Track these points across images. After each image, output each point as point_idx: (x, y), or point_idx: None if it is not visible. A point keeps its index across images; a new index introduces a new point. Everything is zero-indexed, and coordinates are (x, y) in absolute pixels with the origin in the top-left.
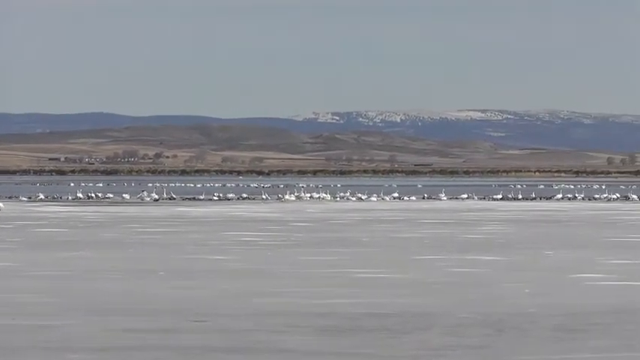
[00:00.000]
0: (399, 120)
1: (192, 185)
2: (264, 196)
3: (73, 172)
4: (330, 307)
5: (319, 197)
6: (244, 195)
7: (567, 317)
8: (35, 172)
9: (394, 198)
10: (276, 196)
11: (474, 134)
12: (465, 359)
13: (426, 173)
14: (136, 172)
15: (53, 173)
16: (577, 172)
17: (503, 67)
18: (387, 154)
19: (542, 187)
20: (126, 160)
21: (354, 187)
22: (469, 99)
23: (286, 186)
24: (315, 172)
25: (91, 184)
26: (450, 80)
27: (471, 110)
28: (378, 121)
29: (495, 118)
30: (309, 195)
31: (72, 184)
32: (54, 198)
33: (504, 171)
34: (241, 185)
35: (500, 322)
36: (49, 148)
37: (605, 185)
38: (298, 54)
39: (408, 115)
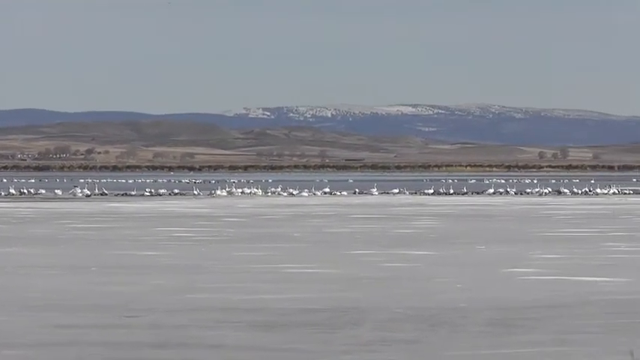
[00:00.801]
0: (329, 115)
1: (123, 181)
2: (195, 192)
3: (5, 168)
4: (262, 303)
5: (250, 193)
6: (176, 191)
7: (499, 312)
8: None
9: (325, 193)
10: (207, 192)
11: (405, 129)
12: (397, 354)
13: (357, 168)
14: (68, 168)
15: None
16: (508, 167)
17: (433, 61)
18: (318, 149)
19: (473, 181)
20: (58, 156)
21: (285, 182)
22: (400, 94)
23: (217, 181)
24: (246, 168)
25: (23, 180)
26: (380, 75)
27: (402, 105)
28: (309, 116)
29: (426, 112)
30: (240, 190)
31: (4, 180)
32: None
33: (435, 166)
34: (173, 181)
35: (432, 316)
36: None
37: (537, 180)
38: (229, 50)
39: (338, 110)
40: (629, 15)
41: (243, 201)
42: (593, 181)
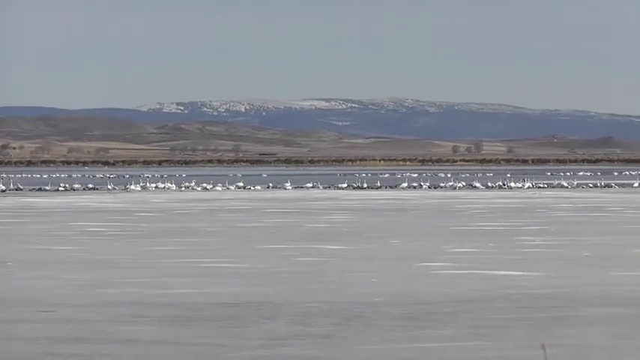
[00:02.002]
0: (243, 110)
1: (38, 176)
2: (109, 187)
3: None
4: (176, 297)
5: (164, 187)
6: (90, 185)
7: (413, 306)
8: None
9: (239, 187)
10: (121, 187)
11: (319, 123)
12: (312, 348)
13: (270, 163)
14: None
15: None
16: (422, 161)
17: (346, 56)
18: (232, 143)
19: (387, 175)
20: None
21: (199, 177)
22: (313, 88)
23: (131, 176)
24: (160, 163)
25: None
26: (294, 70)
27: (315, 99)
28: (223, 110)
29: (340, 107)
30: (154, 185)
31: None
32: None
33: (349, 160)
34: (87, 176)
35: (346, 311)
36: None
37: (451, 174)
38: (143, 45)
39: (252, 105)
40: (540, 12)
41: (157, 196)
42: (509, 175)
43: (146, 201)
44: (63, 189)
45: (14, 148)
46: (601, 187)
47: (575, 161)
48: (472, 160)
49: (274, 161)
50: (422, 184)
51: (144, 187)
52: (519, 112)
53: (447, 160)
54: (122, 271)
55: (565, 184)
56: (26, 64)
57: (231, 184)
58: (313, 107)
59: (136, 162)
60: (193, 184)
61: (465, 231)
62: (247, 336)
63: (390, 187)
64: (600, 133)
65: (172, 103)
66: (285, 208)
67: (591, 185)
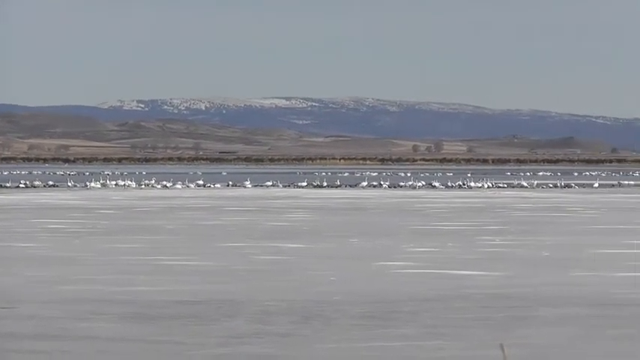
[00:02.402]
0: (203, 108)
1: None
2: (69, 184)
3: None
4: (136, 295)
5: (125, 185)
6: (51, 183)
7: (373, 305)
8: None
9: (199, 185)
10: (82, 184)
11: (279, 122)
12: (272, 347)
13: (230, 161)
14: None
15: None
16: (382, 160)
17: (307, 54)
18: (192, 141)
19: (347, 174)
20: None
21: (160, 174)
22: (274, 87)
23: (92, 174)
24: (120, 160)
25: None
26: (254, 68)
27: (276, 98)
28: (183, 108)
29: (300, 105)
30: (114, 183)
31: None
32: None
33: (309, 159)
34: (48, 173)
35: (306, 309)
36: None
37: (411, 173)
38: (103, 42)
39: (212, 103)
40: (500, 12)
41: (118, 193)
42: (469, 175)
43: (106, 198)
44: (23, 186)
45: None
46: (561, 187)
47: (536, 161)
48: (432, 160)
49: (234, 159)
50: (382, 183)
51: (104, 185)
52: (480, 112)
53: (407, 160)
54: (83, 268)
55: (525, 184)
56: None
57: (191, 182)
58: (274, 106)
59: (97, 159)
60: (153, 181)
61: (424, 230)
62: (208, 334)
63: (350, 186)
64: (561, 133)
65: (133, 101)
66: (245, 207)
67: (551, 185)
